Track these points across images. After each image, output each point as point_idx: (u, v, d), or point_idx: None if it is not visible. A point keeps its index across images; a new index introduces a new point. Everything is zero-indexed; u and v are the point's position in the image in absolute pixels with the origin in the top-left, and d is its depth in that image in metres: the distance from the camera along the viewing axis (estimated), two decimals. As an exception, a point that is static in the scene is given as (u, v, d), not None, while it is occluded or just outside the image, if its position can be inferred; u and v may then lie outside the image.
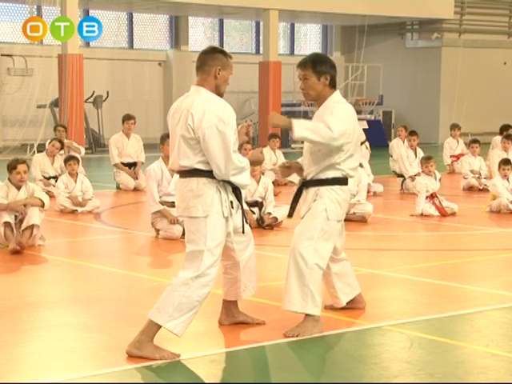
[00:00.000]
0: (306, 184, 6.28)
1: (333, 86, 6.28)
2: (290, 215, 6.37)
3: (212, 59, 5.70)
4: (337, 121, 6.06)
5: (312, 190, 6.20)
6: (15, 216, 9.46)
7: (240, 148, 5.90)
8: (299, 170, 6.38)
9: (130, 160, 15.79)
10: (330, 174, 6.17)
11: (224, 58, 5.73)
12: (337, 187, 6.19)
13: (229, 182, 5.63)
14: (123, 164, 15.68)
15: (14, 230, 9.41)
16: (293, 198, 6.37)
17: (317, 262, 6.04)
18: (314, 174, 6.21)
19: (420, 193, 12.31)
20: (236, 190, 5.71)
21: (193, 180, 5.61)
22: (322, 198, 6.14)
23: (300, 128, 6.00)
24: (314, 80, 6.21)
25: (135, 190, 15.39)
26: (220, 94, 5.71)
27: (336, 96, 6.29)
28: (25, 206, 9.45)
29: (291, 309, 6.09)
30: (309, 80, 6.22)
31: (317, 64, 6.23)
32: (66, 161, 12.93)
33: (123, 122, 15.90)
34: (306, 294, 6.02)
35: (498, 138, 18.20)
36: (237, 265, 6.08)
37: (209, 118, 5.50)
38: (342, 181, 6.21)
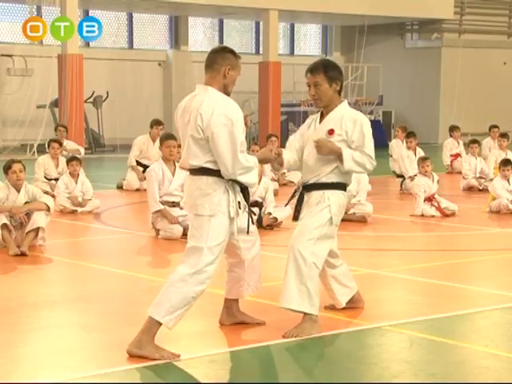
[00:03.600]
0: (307, 187, 6.26)
1: (340, 93, 6.26)
2: (296, 218, 6.33)
3: (222, 58, 5.72)
4: (372, 144, 6.27)
5: (316, 194, 6.19)
6: (12, 218, 9.41)
7: (248, 149, 5.96)
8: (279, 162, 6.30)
9: (147, 163, 15.43)
10: (335, 179, 6.18)
11: (234, 59, 5.76)
12: (340, 192, 6.21)
13: (237, 182, 5.66)
14: (139, 164, 15.49)
15: (13, 231, 9.39)
16: (297, 201, 6.33)
17: (314, 261, 6.05)
18: (318, 178, 6.20)
19: (418, 195, 12.29)
20: (244, 191, 5.74)
21: (202, 178, 5.64)
22: (327, 201, 6.14)
23: (349, 161, 6.12)
24: (326, 86, 6.15)
25: (137, 190, 15.31)
26: (227, 94, 5.74)
27: (346, 105, 6.30)
28: (27, 214, 9.41)
29: (288, 306, 6.08)
30: (321, 86, 6.15)
31: (329, 69, 6.18)
32: (68, 161, 12.94)
33: (151, 126, 15.75)
34: (304, 293, 6.02)
35: (488, 140, 18.80)
36: (242, 263, 6.11)
37: (217, 117, 5.53)
38: (343, 186, 6.25)
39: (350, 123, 6.18)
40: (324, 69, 6.16)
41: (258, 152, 7.00)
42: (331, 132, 6.18)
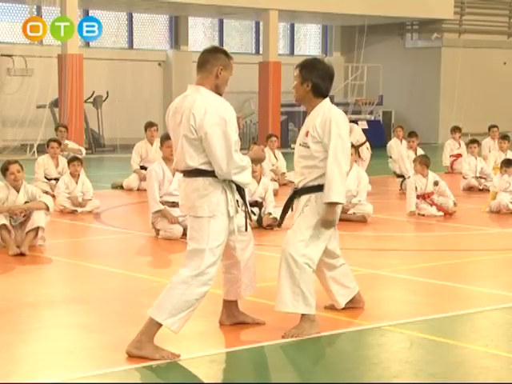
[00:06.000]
0: (297, 192, 6.26)
1: (318, 95, 6.19)
2: (280, 225, 6.43)
3: (214, 58, 5.73)
4: (340, 141, 6.05)
5: (303, 198, 6.20)
6: (11, 218, 9.41)
7: (248, 149, 5.93)
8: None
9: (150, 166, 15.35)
10: (322, 181, 6.14)
11: (226, 59, 5.77)
12: None
13: (233, 181, 5.64)
14: (143, 168, 15.43)
15: (12, 231, 9.38)
16: (284, 206, 6.35)
17: (307, 262, 6.05)
18: (305, 182, 6.19)
19: (408, 190, 12.38)
20: (240, 189, 5.73)
21: (198, 180, 5.63)
22: (314, 204, 6.13)
23: (340, 196, 6.00)
24: (298, 83, 6.25)
25: (138, 190, 15.29)
26: (219, 94, 5.73)
27: (325, 105, 6.19)
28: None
29: (283, 309, 6.10)
30: (295, 81, 6.28)
31: (303, 68, 6.24)
32: (70, 161, 12.93)
33: (145, 129, 15.78)
34: (298, 294, 6.02)
35: (488, 141, 18.86)
36: (238, 264, 6.10)
37: (210, 117, 5.52)
38: None
39: (320, 125, 6.10)
40: (301, 67, 6.26)
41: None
42: (306, 134, 6.20)
